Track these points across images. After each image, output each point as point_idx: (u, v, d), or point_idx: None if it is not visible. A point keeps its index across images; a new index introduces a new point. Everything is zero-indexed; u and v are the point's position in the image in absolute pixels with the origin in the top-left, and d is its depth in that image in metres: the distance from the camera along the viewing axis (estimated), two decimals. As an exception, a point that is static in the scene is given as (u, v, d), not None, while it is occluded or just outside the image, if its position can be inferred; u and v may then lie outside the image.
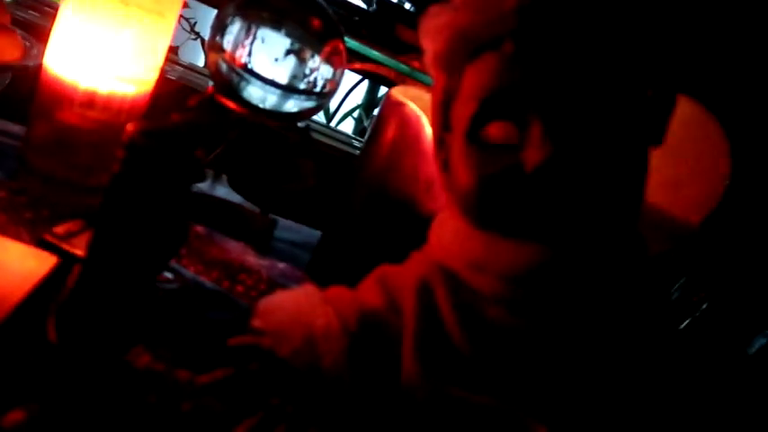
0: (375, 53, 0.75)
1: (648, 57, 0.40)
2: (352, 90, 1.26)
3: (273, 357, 0.41)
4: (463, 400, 0.37)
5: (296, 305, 0.43)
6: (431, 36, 0.41)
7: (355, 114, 1.50)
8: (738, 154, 0.49)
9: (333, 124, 1.46)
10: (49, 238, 0.46)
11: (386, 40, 0.76)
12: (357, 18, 0.76)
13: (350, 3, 0.79)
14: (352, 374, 0.40)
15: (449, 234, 0.42)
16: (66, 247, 0.45)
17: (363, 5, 0.84)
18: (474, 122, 0.38)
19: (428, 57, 0.42)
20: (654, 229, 0.47)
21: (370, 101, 1.36)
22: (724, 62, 0.56)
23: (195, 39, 1.21)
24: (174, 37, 1.34)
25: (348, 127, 1.53)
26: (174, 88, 0.83)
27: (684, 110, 0.51)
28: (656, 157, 0.41)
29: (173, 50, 1.24)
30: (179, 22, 1.31)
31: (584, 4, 0.37)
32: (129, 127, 0.34)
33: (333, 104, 1.41)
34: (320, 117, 1.48)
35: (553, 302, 0.37)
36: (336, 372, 0.40)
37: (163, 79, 0.81)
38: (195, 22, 1.22)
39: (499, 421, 0.37)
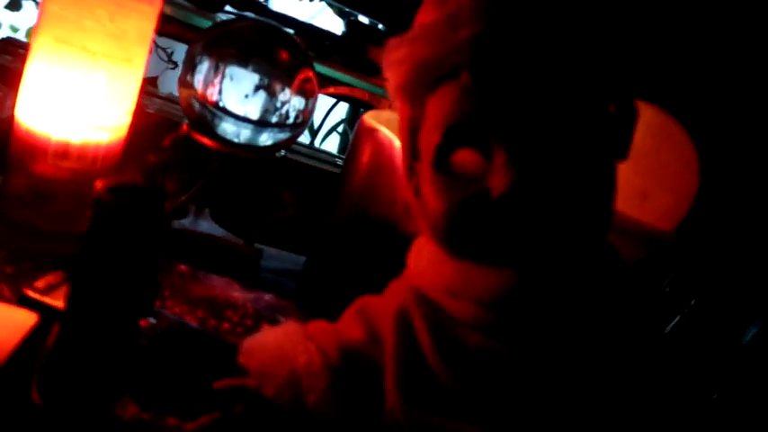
0: (348, 77, 0.75)
1: (608, 73, 0.40)
2: (333, 107, 1.27)
3: (259, 398, 0.41)
4: (448, 430, 0.37)
5: (278, 344, 0.43)
6: (392, 69, 0.42)
7: (340, 129, 1.51)
8: (707, 159, 0.50)
9: (318, 141, 1.47)
10: (29, 292, 0.46)
11: (358, 63, 0.76)
12: (327, 43, 0.76)
13: (319, 28, 0.80)
14: (337, 410, 0.40)
15: (425, 261, 0.43)
16: (47, 301, 0.45)
17: (332, 30, 0.85)
18: (439, 152, 0.39)
19: (391, 88, 0.42)
20: (624, 237, 0.48)
21: (354, 115, 1.37)
22: (687, 69, 0.57)
23: (173, 68, 1.21)
24: (153, 68, 1.34)
25: (334, 142, 1.54)
26: (154, 122, 0.84)
27: (650, 118, 0.52)
28: (624, 168, 0.42)
29: (151, 82, 1.24)
30: (155, 52, 1.31)
31: (537, 29, 0.37)
32: (98, 184, 0.35)
33: (316, 119, 1.42)
34: (304, 136, 1.49)
35: (530, 325, 0.38)
36: (322, 408, 0.40)
37: (142, 114, 0.82)
38: (172, 52, 1.22)
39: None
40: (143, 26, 0.50)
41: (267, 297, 0.62)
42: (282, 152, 0.67)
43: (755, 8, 0.60)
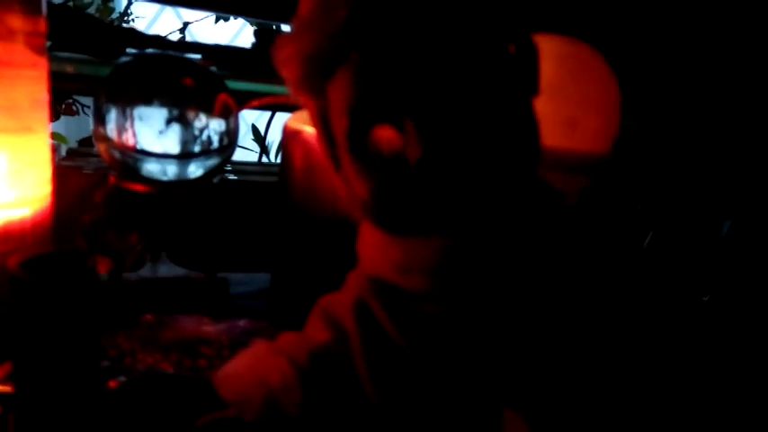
0: (270, 86, 0.74)
1: (498, 17, 0.40)
2: (272, 118, 1.25)
3: (243, 426, 0.40)
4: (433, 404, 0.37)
5: (249, 367, 0.43)
6: (285, 67, 0.41)
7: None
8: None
9: (273, 152, 1.45)
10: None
11: (274, 71, 0.75)
12: (239, 58, 0.75)
13: (227, 46, 0.79)
14: (320, 413, 0.40)
15: (371, 245, 0.43)
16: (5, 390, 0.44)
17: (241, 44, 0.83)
18: (351, 136, 0.38)
19: (290, 86, 0.42)
20: (562, 170, 0.48)
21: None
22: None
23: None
24: (85, 129, 1.31)
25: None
26: (93, 181, 0.82)
27: (562, 49, 0.52)
28: (546, 102, 0.41)
29: (86, 142, 1.22)
30: (82, 112, 1.28)
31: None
32: (11, 261, 0.34)
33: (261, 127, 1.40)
34: (255, 153, 1.47)
35: (478, 284, 0.38)
36: (305, 416, 0.40)
37: (79, 177, 0.80)
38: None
39: (475, 416, 0.37)
40: (33, 91, 0.48)
41: (241, 323, 0.61)
42: (219, 177, 0.66)
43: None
